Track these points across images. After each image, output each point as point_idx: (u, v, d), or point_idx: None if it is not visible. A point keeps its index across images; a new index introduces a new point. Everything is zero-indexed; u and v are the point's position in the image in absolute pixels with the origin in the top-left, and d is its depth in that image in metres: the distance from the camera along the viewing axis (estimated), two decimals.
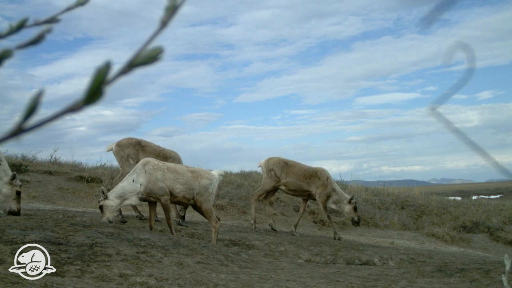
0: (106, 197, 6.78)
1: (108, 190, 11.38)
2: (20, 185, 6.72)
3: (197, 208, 7.54)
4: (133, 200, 7.01)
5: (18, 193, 6.64)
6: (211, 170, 8.11)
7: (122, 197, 6.89)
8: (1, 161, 6.68)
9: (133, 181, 6.95)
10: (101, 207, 6.79)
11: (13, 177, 6.59)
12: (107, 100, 0.49)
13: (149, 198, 7.06)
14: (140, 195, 6.96)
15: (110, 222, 6.65)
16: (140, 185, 6.94)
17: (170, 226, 7.11)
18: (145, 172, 7.01)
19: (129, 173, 7.19)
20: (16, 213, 6.59)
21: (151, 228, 7.11)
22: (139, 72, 0.51)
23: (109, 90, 0.49)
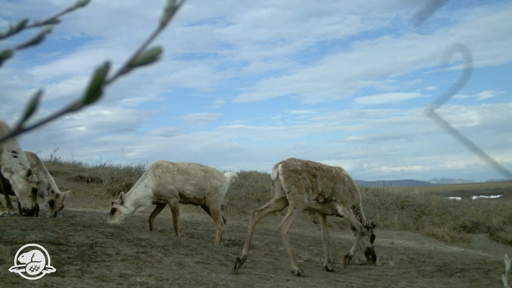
0: (122, 203, 6.83)
1: (110, 191, 11.44)
2: (37, 182, 6.34)
3: (205, 208, 7.54)
4: (148, 205, 7.08)
5: (34, 191, 6.28)
6: (225, 172, 8.06)
7: (137, 204, 6.93)
8: (17, 153, 6.32)
9: (145, 186, 7.02)
10: (113, 210, 6.81)
11: (29, 173, 6.22)
12: (106, 99, 0.50)
13: (159, 201, 7.12)
14: (152, 199, 7.05)
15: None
16: (151, 189, 6.98)
17: (176, 229, 7.08)
18: (155, 176, 7.05)
19: (140, 178, 7.25)
20: (30, 212, 6.25)
21: (151, 227, 7.16)
22: (137, 71, 0.51)
23: (108, 90, 0.49)
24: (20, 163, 6.30)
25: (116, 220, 6.73)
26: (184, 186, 7.10)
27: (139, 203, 6.92)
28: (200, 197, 7.25)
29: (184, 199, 7.16)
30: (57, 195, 6.88)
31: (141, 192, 6.94)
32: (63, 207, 7.05)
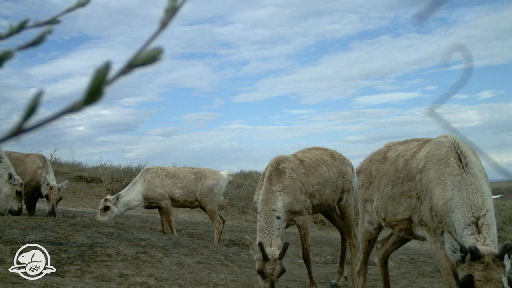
0: (115, 203, 7.00)
1: (110, 191, 11.48)
2: (21, 184, 6.55)
3: (202, 208, 7.63)
4: (138, 208, 7.35)
5: (19, 193, 6.51)
6: (221, 171, 8.07)
7: (127, 206, 7.15)
8: (1, 157, 6.52)
9: (136, 191, 7.23)
10: (106, 208, 6.98)
11: (10, 177, 6.45)
12: (106, 99, 0.50)
13: (151, 204, 7.32)
14: (142, 203, 7.27)
15: (101, 222, 6.80)
16: (141, 194, 7.18)
17: (171, 229, 7.22)
18: (144, 181, 7.29)
19: (132, 182, 7.47)
20: (17, 212, 6.47)
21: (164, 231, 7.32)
22: (136, 71, 0.51)
23: (108, 89, 0.49)
24: (4, 168, 6.51)
25: (106, 218, 6.98)
26: (172, 189, 7.28)
27: (130, 205, 7.18)
28: (190, 199, 7.39)
29: (175, 202, 7.36)
30: (51, 187, 6.92)
31: (133, 196, 7.18)
32: (60, 198, 7.05)
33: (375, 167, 3.93)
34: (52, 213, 6.90)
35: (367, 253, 4.14)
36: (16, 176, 6.52)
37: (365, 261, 4.19)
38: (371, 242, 4.10)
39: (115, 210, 7.00)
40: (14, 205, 6.47)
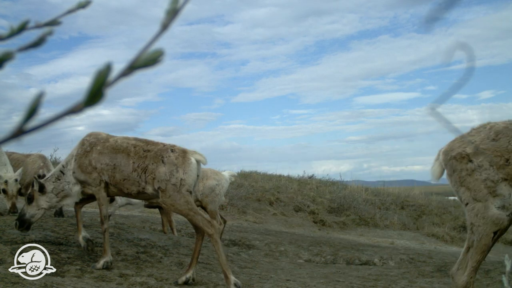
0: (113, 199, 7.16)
1: None
2: (6, 181, 6.23)
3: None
4: (138, 208, 7.37)
5: (3, 191, 6.22)
6: (223, 171, 8.07)
7: (128, 202, 7.26)
8: None
9: None
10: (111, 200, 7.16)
11: None
12: (106, 99, 0.50)
13: (152, 203, 7.32)
14: (143, 202, 7.30)
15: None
16: None
17: (172, 229, 7.28)
18: None
19: None
20: (8, 211, 6.26)
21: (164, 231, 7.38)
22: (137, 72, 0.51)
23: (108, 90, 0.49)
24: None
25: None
26: None
27: (131, 202, 7.27)
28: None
29: None
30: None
31: None
32: None
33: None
34: (59, 213, 6.91)
35: (487, 251, 3.21)
36: (2, 173, 6.25)
37: (479, 264, 3.24)
38: (497, 234, 3.19)
39: (118, 200, 7.12)
40: (6, 203, 6.29)
